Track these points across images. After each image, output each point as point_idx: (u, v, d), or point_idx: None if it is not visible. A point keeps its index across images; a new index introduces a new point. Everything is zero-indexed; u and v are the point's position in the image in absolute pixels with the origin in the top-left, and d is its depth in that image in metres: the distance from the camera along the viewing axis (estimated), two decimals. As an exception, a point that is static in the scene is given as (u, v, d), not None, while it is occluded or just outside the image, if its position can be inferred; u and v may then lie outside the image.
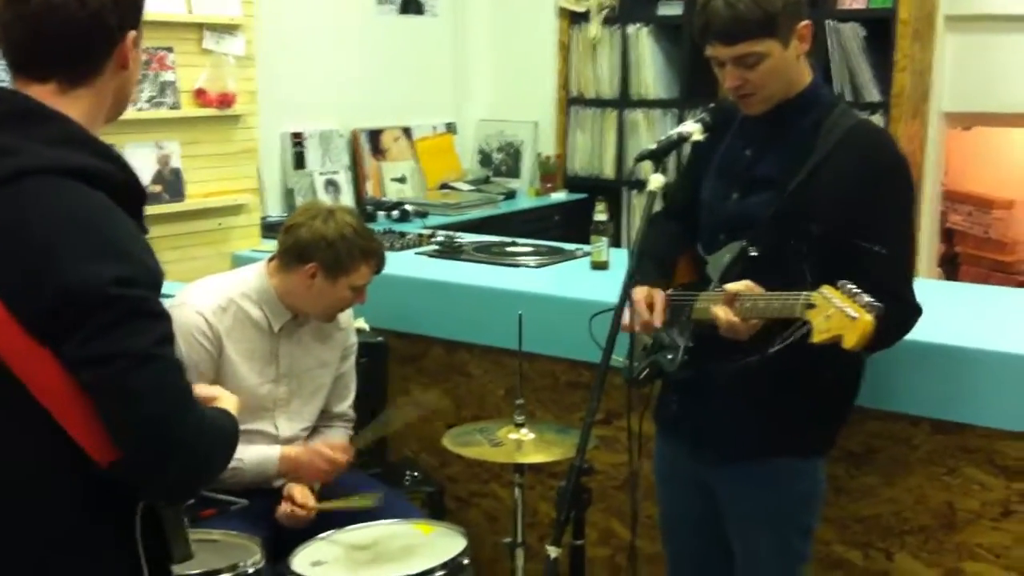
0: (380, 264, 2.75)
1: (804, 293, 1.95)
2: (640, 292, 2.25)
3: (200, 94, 3.88)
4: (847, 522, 2.68)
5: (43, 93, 1.49)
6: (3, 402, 1.45)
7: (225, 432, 1.59)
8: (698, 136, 2.23)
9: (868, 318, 1.84)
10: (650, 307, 2.24)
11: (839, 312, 1.87)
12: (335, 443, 2.76)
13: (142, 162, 3.71)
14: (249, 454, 2.64)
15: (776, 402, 2.19)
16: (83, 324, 1.39)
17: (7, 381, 1.43)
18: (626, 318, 2.18)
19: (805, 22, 2.15)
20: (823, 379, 2.17)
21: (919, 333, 2.34)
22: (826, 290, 1.92)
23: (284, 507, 2.64)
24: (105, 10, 1.48)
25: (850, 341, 1.86)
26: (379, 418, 2.85)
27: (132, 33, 1.53)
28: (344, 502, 2.68)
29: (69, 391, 1.42)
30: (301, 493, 2.66)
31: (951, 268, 6.29)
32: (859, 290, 1.88)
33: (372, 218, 4.54)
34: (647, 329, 2.26)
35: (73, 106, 1.50)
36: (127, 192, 1.50)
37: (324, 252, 2.62)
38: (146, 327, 1.43)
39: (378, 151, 5.08)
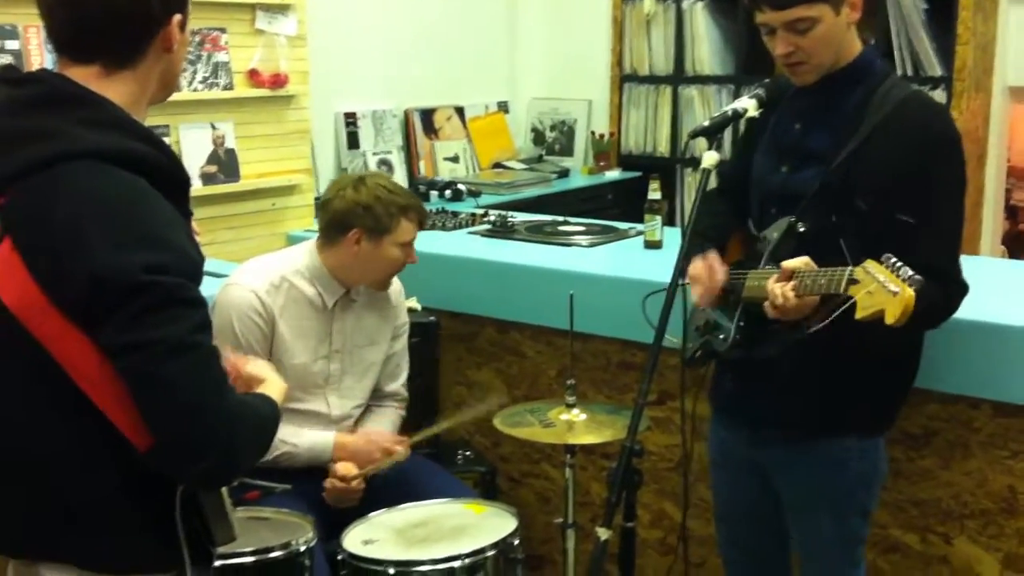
0: (421, 216, 2.76)
1: (849, 268, 1.91)
2: (696, 265, 2.23)
3: (253, 74, 3.90)
4: (904, 505, 2.63)
5: (86, 75, 1.49)
6: (45, 386, 1.46)
7: (263, 421, 1.58)
8: (753, 112, 2.20)
9: (909, 292, 1.80)
10: (709, 269, 2.22)
11: (881, 287, 1.83)
12: (392, 435, 2.78)
13: (197, 143, 3.75)
14: (303, 439, 2.66)
15: (833, 381, 2.16)
16: (116, 311, 1.39)
17: (48, 366, 1.43)
18: (694, 293, 2.16)
19: None
20: (880, 357, 2.12)
21: (981, 313, 2.29)
22: (870, 265, 1.88)
23: (329, 482, 2.66)
24: None
25: (892, 316, 1.81)
26: (440, 422, 2.84)
27: (177, 16, 1.53)
28: (377, 466, 2.69)
29: (107, 376, 1.43)
30: (344, 468, 2.67)
31: (1016, 246, 6.15)
32: (901, 264, 1.84)
33: (425, 198, 4.53)
34: (712, 293, 2.22)
35: (116, 89, 1.50)
36: (169, 177, 1.50)
37: (363, 217, 2.64)
38: (180, 315, 1.42)
39: (431, 130, 5.07)
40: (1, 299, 1.44)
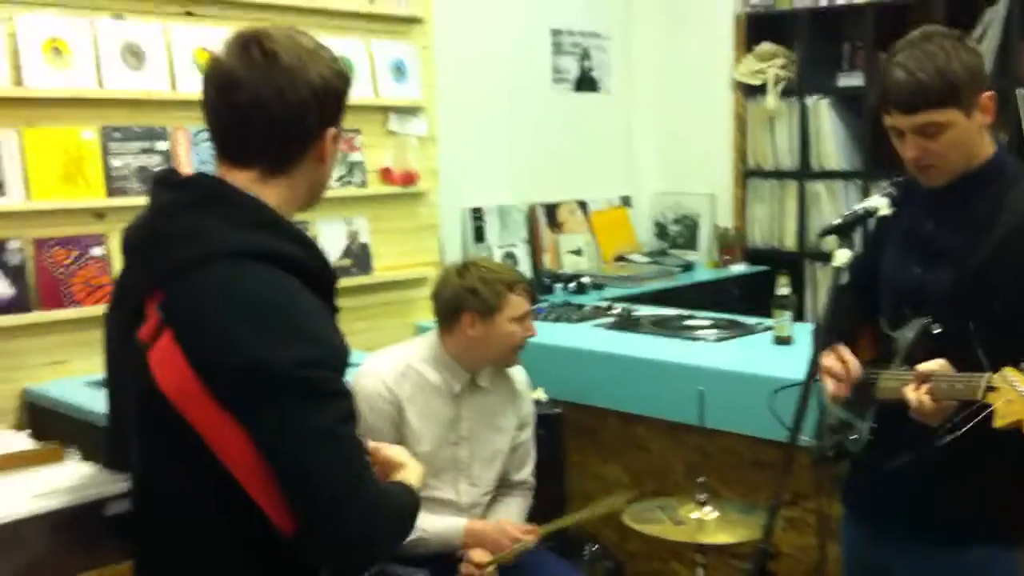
0: (528, 289, 2.81)
1: (987, 375, 1.86)
2: (829, 358, 2.20)
3: (386, 173, 4.05)
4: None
5: (244, 180, 1.57)
6: (197, 471, 1.51)
7: (402, 509, 1.61)
8: (885, 210, 2.18)
9: None
10: (841, 362, 2.19)
11: (1020, 396, 1.78)
12: (521, 525, 2.79)
13: (332, 238, 3.89)
14: (434, 524, 2.69)
15: (968, 487, 2.09)
16: (268, 403, 1.44)
17: (202, 453, 1.49)
18: (828, 386, 2.13)
19: (989, 93, 2.08)
20: (1017, 463, 2.05)
21: None
22: (1009, 372, 1.83)
23: (465, 567, 2.67)
24: (306, 108, 1.55)
25: None
26: (569, 514, 2.84)
27: (332, 130, 1.60)
28: (510, 552, 2.69)
29: (257, 464, 1.47)
30: (478, 555, 2.68)
31: None
32: None
33: (550, 290, 4.59)
34: (848, 385, 2.19)
35: (270, 193, 1.57)
36: (318, 275, 1.56)
37: (472, 300, 2.72)
38: (329, 406, 1.47)
39: (555, 224, 5.14)
40: (161, 387, 1.51)
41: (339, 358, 1.53)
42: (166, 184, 1.61)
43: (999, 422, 1.82)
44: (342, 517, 1.47)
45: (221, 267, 1.49)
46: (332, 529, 1.47)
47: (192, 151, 3.54)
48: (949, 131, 2.05)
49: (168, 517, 1.57)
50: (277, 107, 1.53)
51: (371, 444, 1.75)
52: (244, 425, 1.47)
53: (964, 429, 1.90)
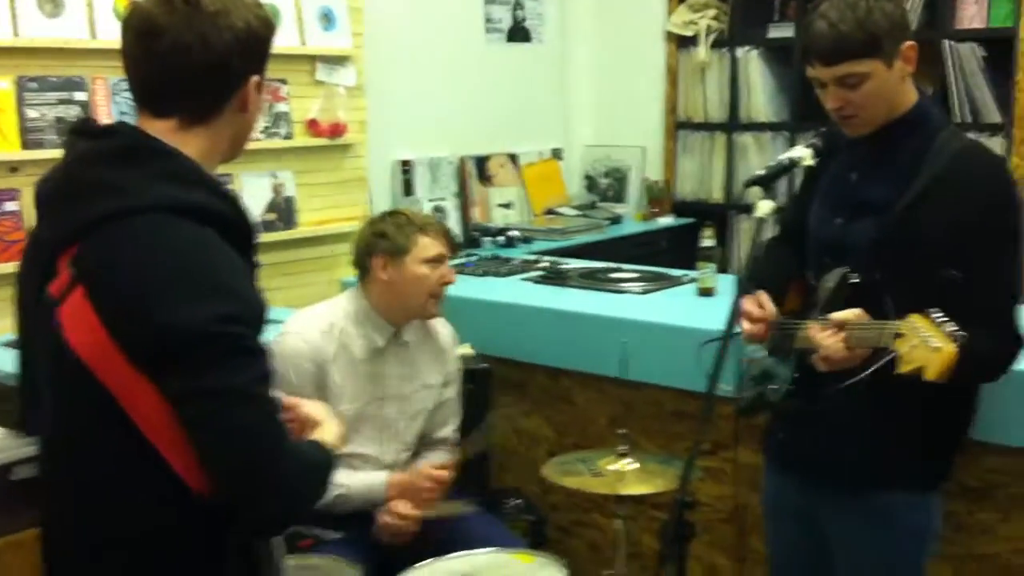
0: (442, 232, 2.80)
1: (895, 322, 1.90)
2: (746, 301, 2.23)
3: (313, 124, 3.98)
4: (964, 560, 2.58)
5: (163, 129, 1.54)
6: (109, 431, 1.48)
7: (319, 469, 1.59)
8: (809, 161, 2.19)
9: (951, 348, 1.78)
10: (759, 306, 2.21)
11: (923, 342, 1.82)
12: (435, 461, 2.80)
13: (257, 191, 3.83)
14: (356, 480, 2.68)
15: (886, 434, 2.13)
16: (183, 360, 1.42)
17: (114, 411, 1.47)
18: (744, 327, 2.16)
19: (910, 43, 2.09)
20: (931, 412, 2.09)
21: (1041, 365, 2.25)
22: (915, 319, 1.87)
23: (385, 517, 2.66)
24: (230, 54, 1.52)
25: (932, 372, 1.80)
26: (480, 426, 2.85)
27: (255, 78, 1.57)
28: (442, 510, 2.70)
29: (170, 423, 1.45)
30: (403, 506, 2.68)
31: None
32: (946, 318, 1.82)
33: (478, 244, 4.57)
34: (761, 326, 2.22)
35: (190, 143, 1.54)
36: (237, 229, 1.53)
37: (381, 243, 2.72)
38: (245, 364, 1.45)
39: (485, 177, 5.11)
40: (72, 345, 1.47)
41: (257, 315, 1.51)
42: (83, 134, 1.57)
43: (903, 368, 1.85)
44: (257, 477, 1.45)
45: (138, 221, 1.46)
46: (247, 489, 1.46)
47: (112, 102, 3.45)
48: (870, 81, 2.06)
49: (80, 480, 1.54)
50: (199, 54, 1.50)
51: (290, 400, 1.73)
52: (157, 383, 1.44)
53: (866, 373, 1.94)
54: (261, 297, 1.53)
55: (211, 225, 1.49)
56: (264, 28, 1.57)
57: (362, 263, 2.77)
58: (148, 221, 1.46)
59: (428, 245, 2.74)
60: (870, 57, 2.05)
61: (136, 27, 1.53)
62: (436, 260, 2.75)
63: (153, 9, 1.51)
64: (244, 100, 1.57)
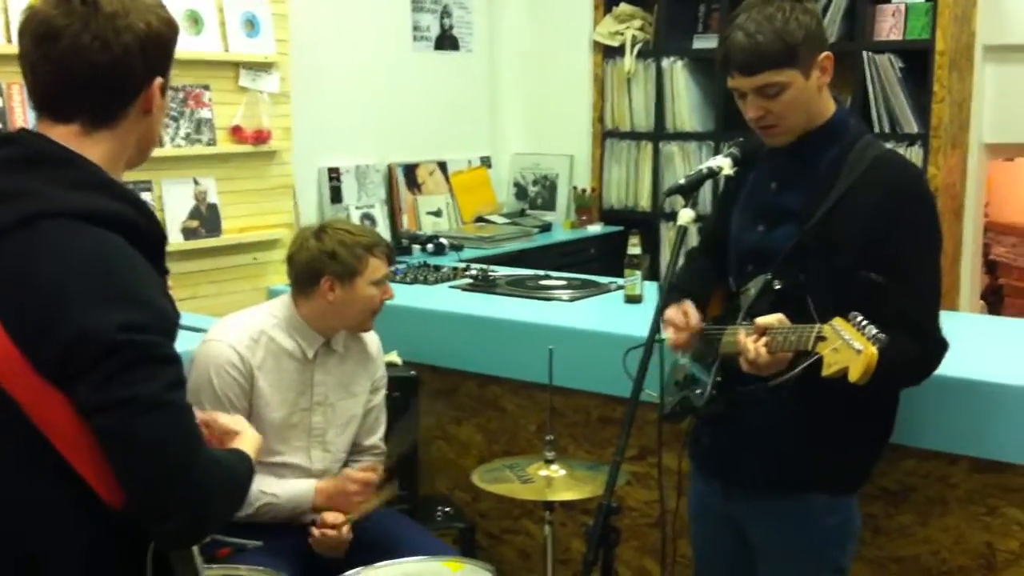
0: (388, 251, 2.78)
1: (817, 326, 1.93)
2: (671, 310, 2.25)
3: (236, 131, 3.93)
4: (884, 562, 2.63)
5: (65, 134, 1.50)
6: (18, 445, 1.45)
7: (235, 478, 1.57)
8: (728, 170, 2.23)
9: (872, 350, 1.82)
10: (683, 314, 2.23)
11: (846, 345, 1.85)
12: (361, 464, 2.78)
13: (179, 198, 3.77)
14: (284, 489, 2.65)
15: (806, 437, 2.16)
16: (92, 369, 1.39)
17: (22, 424, 1.43)
18: (668, 336, 2.17)
19: (826, 53, 2.14)
20: (852, 415, 2.13)
21: (958, 369, 2.30)
22: (837, 322, 1.91)
23: (316, 531, 2.64)
24: (131, 55, 1.49)
25: (855, 374, 1.83)
26: (406, 426, 2.84)
27: (159, 80, 1.54)
28: (370, 504, 2.69)
29: (81, 435, 1.42)
30: (333, 516, 2.66)
31: (996, 300, 6.20)
32: (867, 322, 1.86)
33: (408, 252, 4.55)
34: (686, 335, 2.24)
35: (94, 148, 1.51)
36: (146, 235, 1.50)
37: (331, 264, 2.66)
38: (155, 373, 1.42)
39: (414, 185, 5.10)
40: None
41: (167, 322, 1.48)
42: None
43: (826, 371, 1.89)
44: (172, 487, 1.43)
45: (41, 228, 1.42)
46: (162, 500, 1.43)
47: (28, 108, 3.36)
48: (788, 91, 2.10)
49: None
50: (99, 55, 1.47)
51: (206, 414, 1.71)
52: (66, 393, 1.41)
53: (792, 374, 1.97)
54: (173, 305, 1.51)
55: (119, 232, 1.46)
56: (167, 28, 1.55)
57: (305, 280, 2.70)
58: (53, 228, 1.43)
59: (378, 267, 2.72)
60: (788, 67, 2.09)
61: (33, 30, 1.49)
62: (383, 280, 2.74)
63: (50, 11, 1.47)
64: (148, 102, 1.54)
